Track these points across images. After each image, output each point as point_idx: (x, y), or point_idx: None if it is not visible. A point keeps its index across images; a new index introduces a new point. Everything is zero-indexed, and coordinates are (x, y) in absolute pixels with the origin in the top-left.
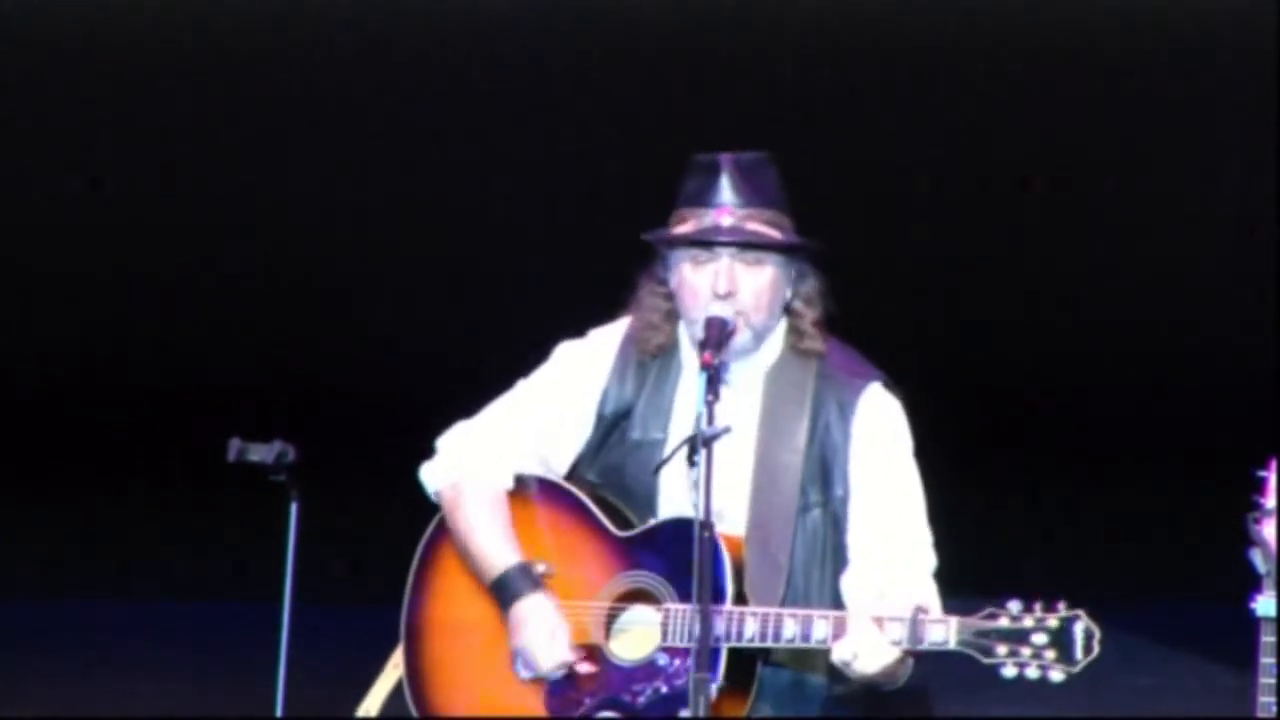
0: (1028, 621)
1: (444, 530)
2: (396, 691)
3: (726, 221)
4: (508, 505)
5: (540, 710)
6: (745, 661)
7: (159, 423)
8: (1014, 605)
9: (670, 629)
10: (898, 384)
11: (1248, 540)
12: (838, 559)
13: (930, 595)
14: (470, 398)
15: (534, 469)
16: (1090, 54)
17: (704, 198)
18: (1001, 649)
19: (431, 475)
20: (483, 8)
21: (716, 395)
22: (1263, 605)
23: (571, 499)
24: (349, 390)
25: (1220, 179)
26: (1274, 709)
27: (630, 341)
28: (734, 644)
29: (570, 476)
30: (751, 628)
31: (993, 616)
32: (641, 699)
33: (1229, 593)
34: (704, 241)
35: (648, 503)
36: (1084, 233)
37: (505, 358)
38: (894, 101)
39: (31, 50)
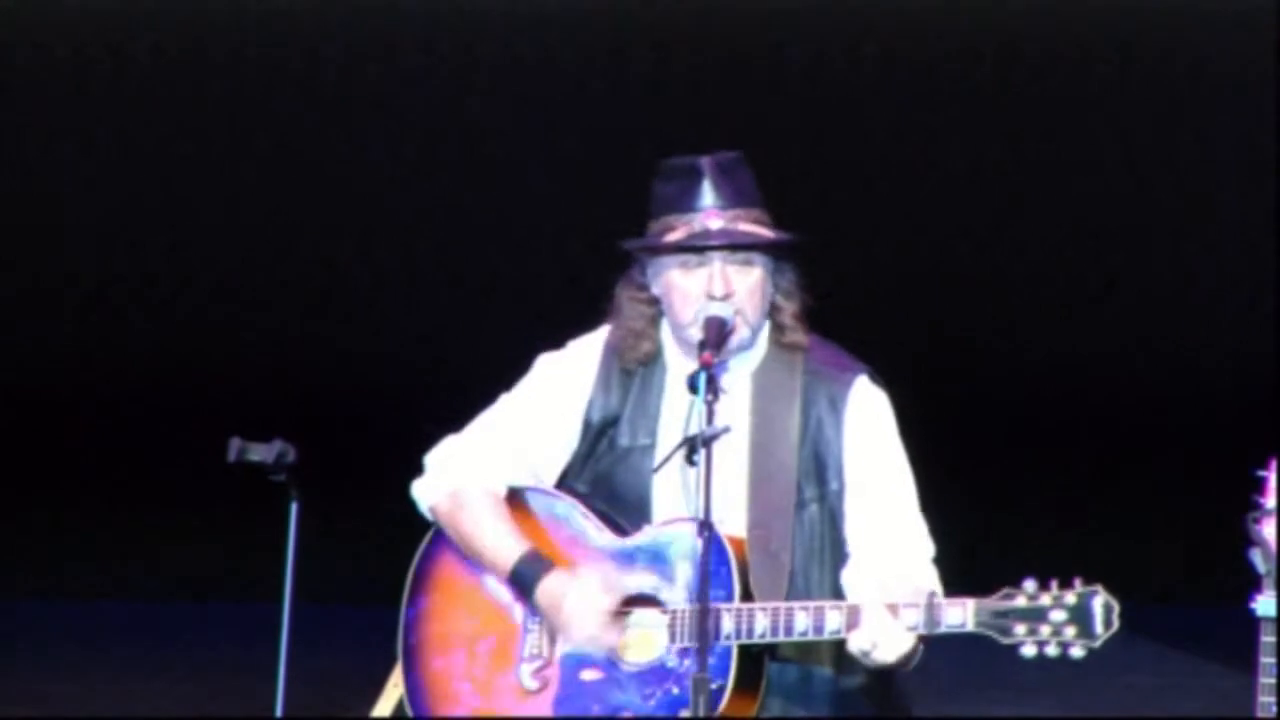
0: (1045, 599)
1: (435, 548)
2: (397, 710)
3: (715, 224)
4: (506, 507)
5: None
6: (753, 659)
7: (159, 422)
8: (1030, 584)
9: (678, 630)
10: (890, 384)
11: (1248, 540)
12: (836, 554)
13: (933, 581)
14: (470, 398)
15: (524, 480)
16: (1091, 54)
17: (688, 202)
18: (1020, 628)
19: (425, 490)
20: (483, 9)
21: (716, 395)
22: (1263, 605)
23: (565, 508)
24: (349, 390)
25: (1221, 180)
26: (1274, 709)
27: (613, 351)
28: (745, 641)
29: (559, 487)
30: (762, 623)
31: (1009, 596)
32: (654, 701)
33: (1229, 593)
34: (696, 246)
35: (640, 509)
36: (1084, 233)
37: (505, 358)
38: (893, 102)
39: (32, 51)
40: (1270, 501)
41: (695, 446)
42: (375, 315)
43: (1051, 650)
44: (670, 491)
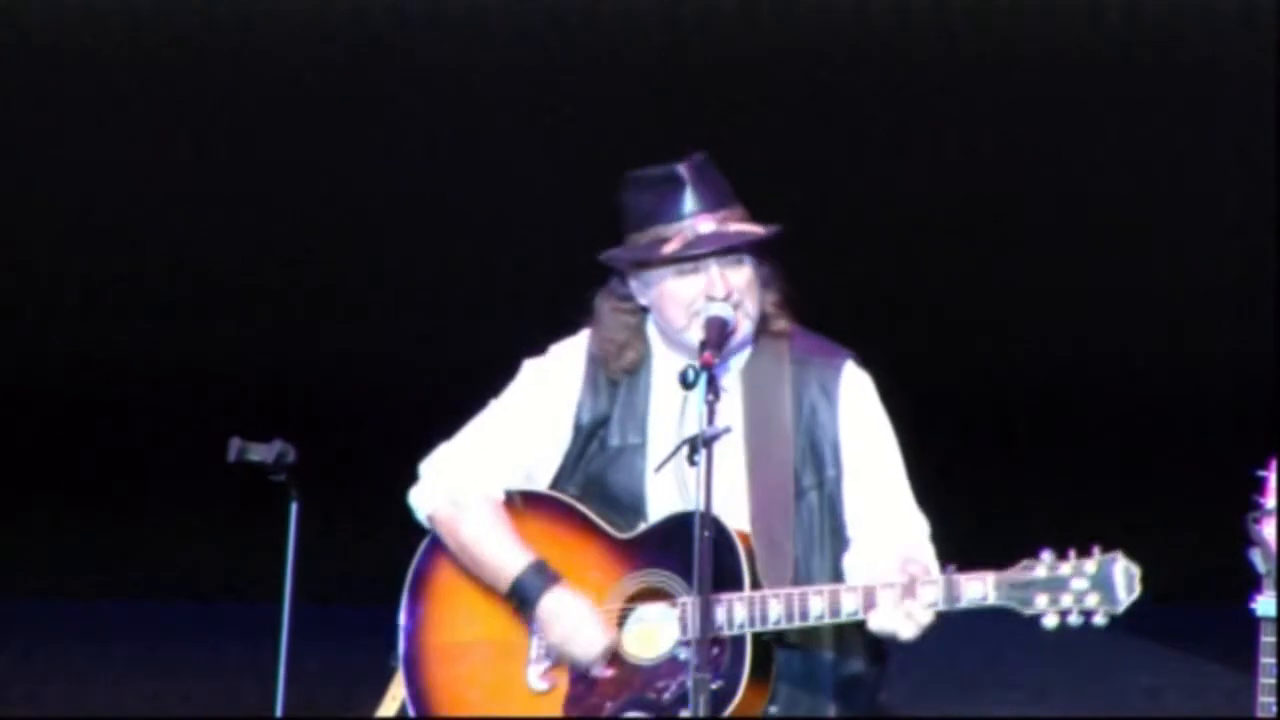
0: (1065, 569)
1: (431, 558)
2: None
3: (706, 228)
4: (506, 514)
5: None
6: (765, 648)
7: (159, 422)
8: (1047, 554)
9: (688, 622)
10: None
11: (1248, 540)
12: (836, 541)
13: (931, 558)
14: (470, 398)
15: (519, 484)
16: (1092, 54)
17: (674, 210)
18: (1041, 599)
19: (422, 498)
20: (484, 10)
21: (717, 395)
22: (1263, 605)
23: (563, 507)
24: (349, 390)
25: (1220, 179)
26: (1274, 709)
27: (599, 362)
28: (759, 629)
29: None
30: (776, 610)
31: (1028, 568)
32: (667, 695)
33: (1229, 593)
34: (696, 255)
35: (635, 508)
36: (1083, 233)
37: (505, 358)
38: (893, 101)
39: (31, 50)
40: (1270, 501)
41: (696, 447)
42: (375, 315)
43: (1074, 619)
44: (666, 489)
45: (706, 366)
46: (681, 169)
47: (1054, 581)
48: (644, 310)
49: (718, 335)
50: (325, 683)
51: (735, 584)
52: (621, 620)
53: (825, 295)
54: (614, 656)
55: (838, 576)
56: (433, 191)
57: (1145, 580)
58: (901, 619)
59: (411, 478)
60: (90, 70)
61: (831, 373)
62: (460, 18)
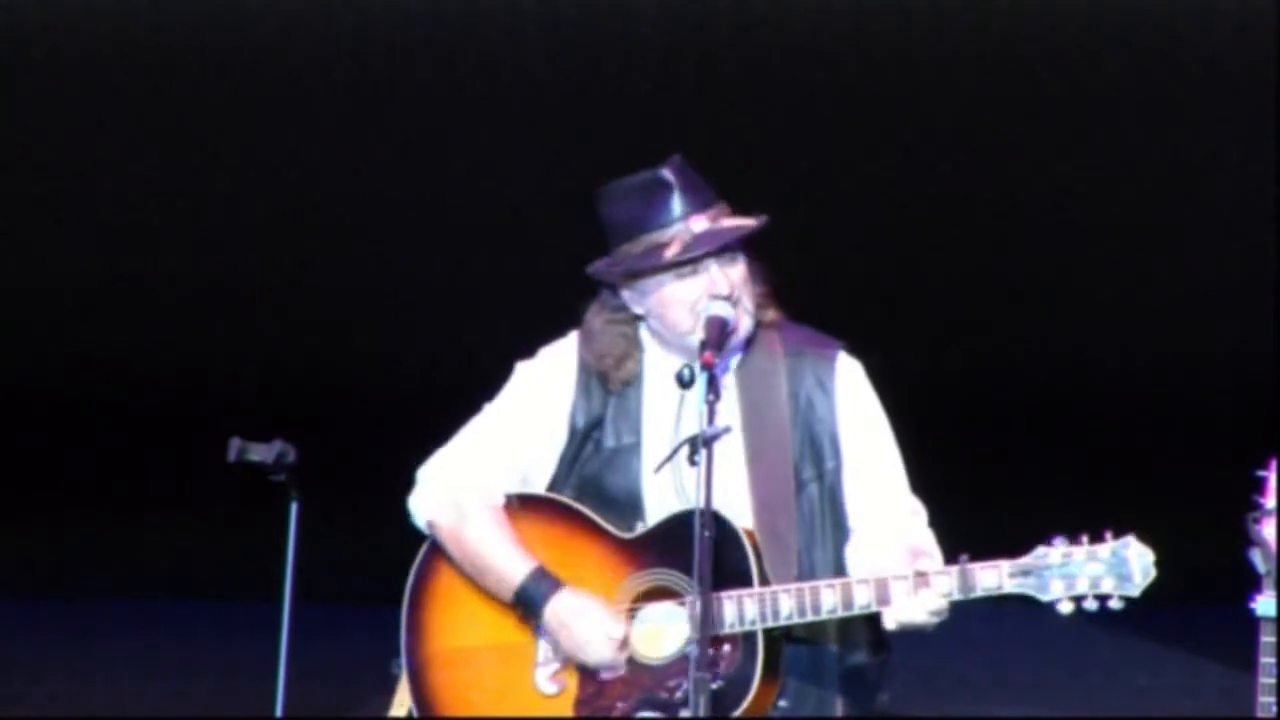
0: (1079, 554)
1: (431, 563)
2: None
3: (701, 227)
4: (508, 516)
5: None
6: (775, 645)
7: (159, 422)
8: (1060, 540)
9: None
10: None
11: (1248, 540)
12: (838, 532)
13: (934, 545)
14: (470, 398)
15: (516, 487)
16: (1092, 54)
17: (666, 214)
18: (1057, 585)
19: (422, 505)
20: (484, 11)
21: (718, 395)
22: (1263, 605)
23: (564, 509)
24: (349, 390)
25: (1221, 180)
26: (1274, 709)
27: (597, 375)
28: (770, 624)
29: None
30: (788, 605)
31: (1042, 555)
32: (679, 693)
33: (1229, 593)
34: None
35: (633, 508)
36: (1082, 233)
37: (505, 358)
38: (892, 100)
39: (32, 52)
40: (1270, 501)
41: (696, 447)
42: (376, 315)
43: (1090, 605)
44: (663, 489)
45: (708, 366)
46: (665, 172)
47: (1068, 567)
48: (638, 319)
49: (718, 335)
50: (325, 683)
51: (743, 581)
52: (629, 620)
53: (825, 295)
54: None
55: (840, 568)
56: (434, 193)
57: (1165, 554)
58: (919, 610)
59: (412, 478)
60: (92, 72)
61: (826, 365)
62: (461, 18)
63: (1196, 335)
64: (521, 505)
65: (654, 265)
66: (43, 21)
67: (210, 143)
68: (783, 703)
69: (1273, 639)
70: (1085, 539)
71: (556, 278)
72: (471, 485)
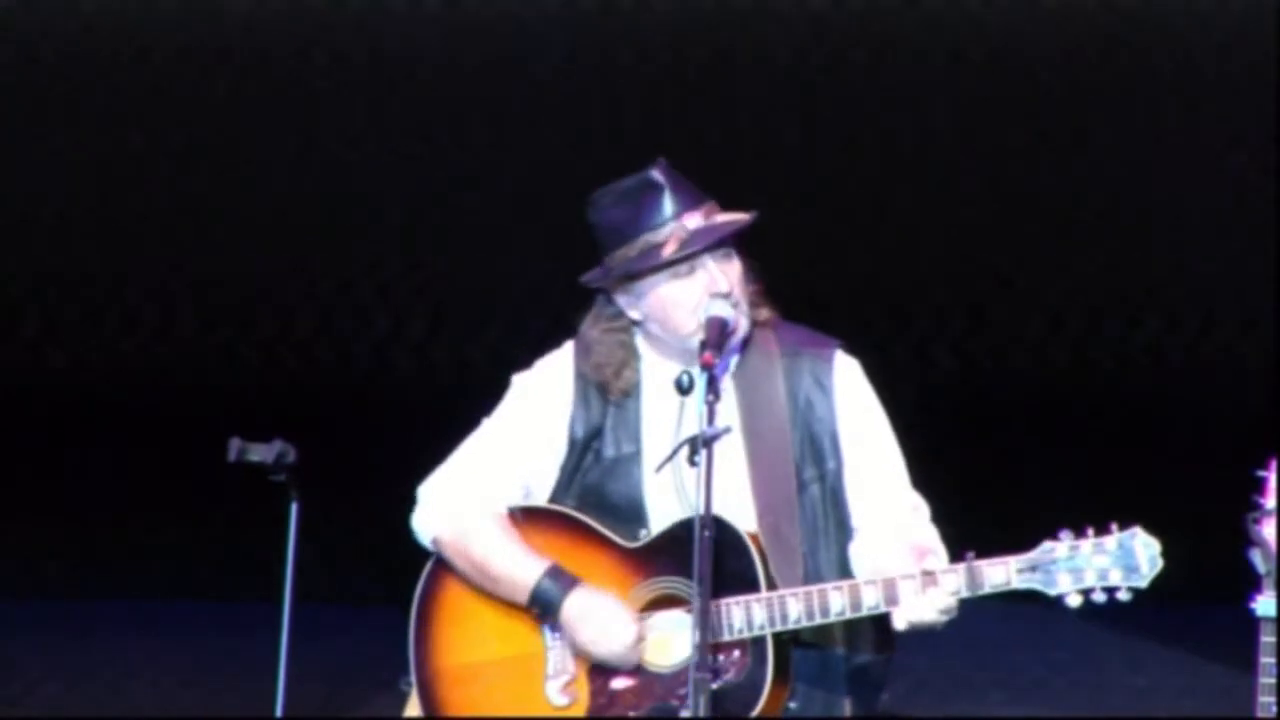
0: (1085, 547)
1: (436, 580)
2: None
3: (695, 224)
4: (513, 526)
5: None
6: (785, 649)
7: (159, 422)
8: (1065, 534)
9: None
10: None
11: (1248, 540)
12: (841, 531)
13: (938, 542)
14: (470, 398)
15: (518, 500)
16: (1091, 54)
17: (660, 215)
18: (1064, 579)
19: (425, 521)
20: (484, 12)
21: (718, 395)
22: (1263, 605)
23: (568, 520)
24: (349, 390)
25: (1221, 180)
26: (1274, 709)
27: (595, 385)
28: (779, 629)
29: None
30: (796, 609)
31: (1048, 549)
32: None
33: (1229, 593)
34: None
35: (636, 516)
36: (1082, 233)
37: (505, 359)
38: (891, 100)
39: (33, 49)
40: (1270, 501)
41: (696, 448)
42: (376, 315)
43: (1098, 597)
44: (666, 495)
45: (707, 367)
46: (654, 174)
47: (1075, 560)
48: (634, 324)
49: (718, 335)
50: (325, 683)
51: (750, 586)
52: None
53: (826, 295)
54: (635, 665)
55: (845, 568)
56: (433, 193)
57: (1165, 554)
58: (928, 609)
59: (412, 478)
60: (90, 74)
61: (824, 364)
62: (461, 18)
63: (1196, 335)
64: (525, 517)
65: (652, 265)
66: (43, 21)
67: (210, 142)
68: (792, 704)
69: (1273, 639)
70: (1091, 531)
71: (558, 280)
72: (474, 500)
